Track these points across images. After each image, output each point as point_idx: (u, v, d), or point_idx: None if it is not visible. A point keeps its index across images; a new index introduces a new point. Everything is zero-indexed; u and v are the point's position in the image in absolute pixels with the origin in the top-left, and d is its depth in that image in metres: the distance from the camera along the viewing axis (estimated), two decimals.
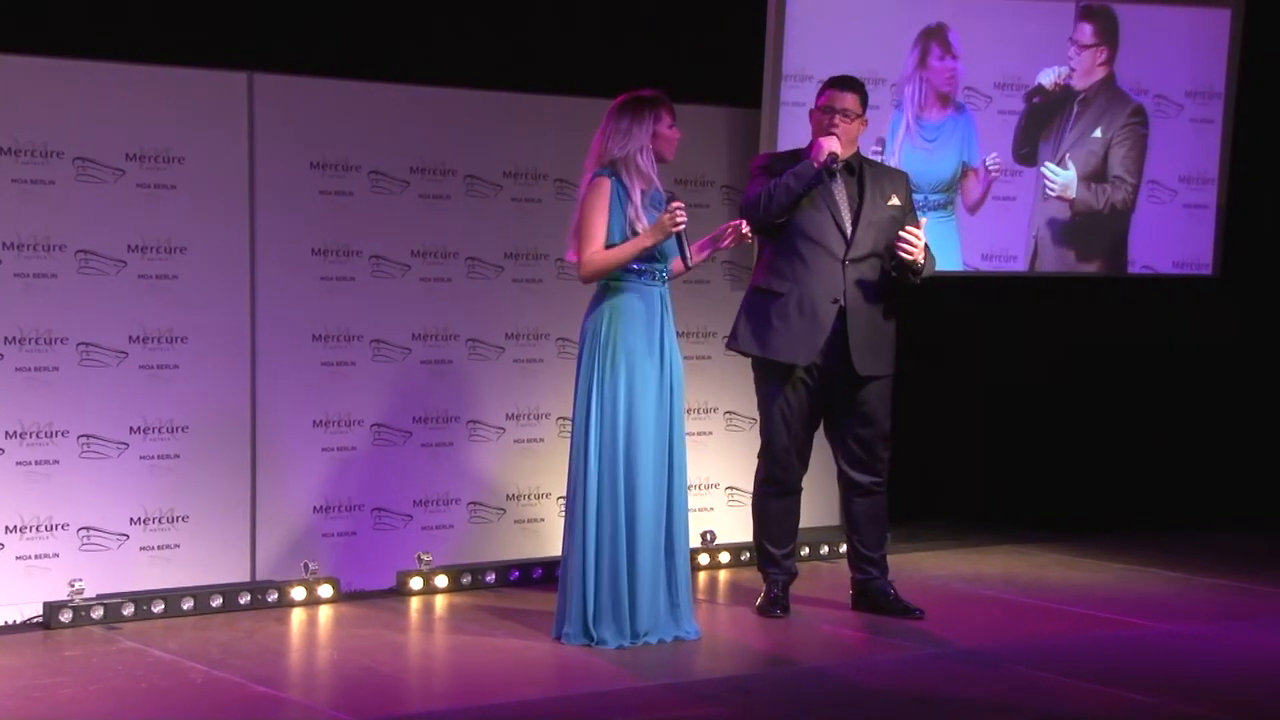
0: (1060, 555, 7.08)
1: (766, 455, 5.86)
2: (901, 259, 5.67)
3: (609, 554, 5.33)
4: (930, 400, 7.44)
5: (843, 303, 5.71)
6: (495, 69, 6.73)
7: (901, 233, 5.66)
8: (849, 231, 5.73)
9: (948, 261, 7.08)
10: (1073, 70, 7.51)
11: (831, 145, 5.63)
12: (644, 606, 5.33)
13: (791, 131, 6.79)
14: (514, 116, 6.59)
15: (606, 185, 5.34)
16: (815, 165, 5.62)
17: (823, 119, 5.73)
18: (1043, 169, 7.48)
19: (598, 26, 7.05)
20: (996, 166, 7.36)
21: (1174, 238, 7.81)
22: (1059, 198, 7.53)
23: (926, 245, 5.72)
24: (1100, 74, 7.57)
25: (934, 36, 7.23)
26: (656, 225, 5.29)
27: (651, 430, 5.36)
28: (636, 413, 5.34)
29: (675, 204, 5.26)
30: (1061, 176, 7.52)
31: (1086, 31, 7.53)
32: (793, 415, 5.78)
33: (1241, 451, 8.45)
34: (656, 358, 5.40)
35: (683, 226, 5.27)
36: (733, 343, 5.89)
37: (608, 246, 5.32)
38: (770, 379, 5.79)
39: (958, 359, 8.04)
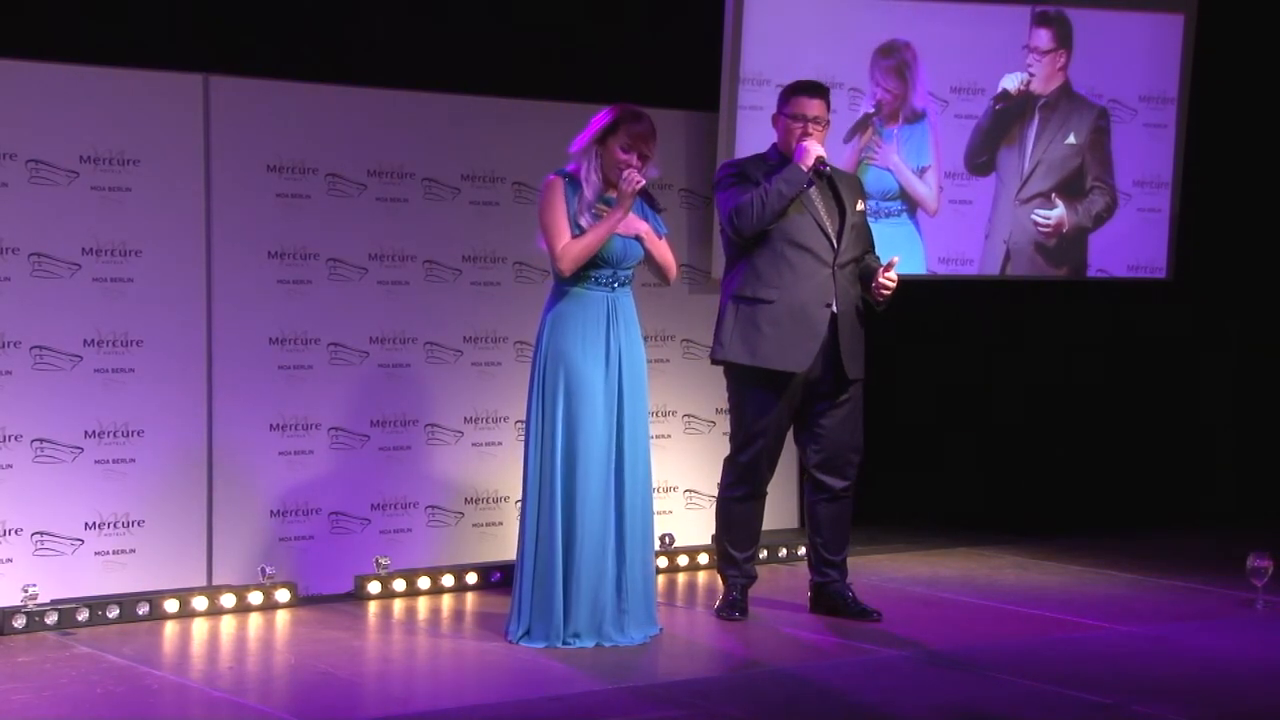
0: (1016, 557, 7.11)
1: (739, 461, 5.83)
2: (878, 299, 5.72)
3: (546, 558, 5.36)
4: (887, 403, 7.46)
5: (834, 308, 5.72)
6: (453, 71, 6.72)
7: (881, 278, 5.69)
8: (834, 237, 5.75)
9: (910, 265, 7.12)
10: (1032, 76, 7.56)
11: (816, 150, 5.65)
12: (579, 611, 5.35)
13: (749, 135, 6.81)
14: (472, 119, 6.58)
15: (555, 183, 5.42)
16: (804, 170, 5.63)
17: (793, 126, 5.73)
18: (1032, 216, 7.54)
19: (556, 29, 7.05)
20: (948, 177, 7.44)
21: (1129, 242, 7.86)
22: (1052, 233, 7.58)
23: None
24: (1059, 79, 7.62)
25: (893, 56, 7.27)
26: (619, 195, 5.35)
27: (598, 437, 5.37)
28: (578, 420, 5.36)
29: (627, 170, 5.33)
30: (1052, 216, 7.57)
31: (1043, 37, 7.58)
32: (771, 423, 5.76)
33: (1196, 453, 8.51)
34: (601, 364, 5.40)
35: (640, 184, 5.32)
36: (719, 352, 5.80)
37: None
38: (755, 387, 5.75)
39: (914, 362, 8.07)
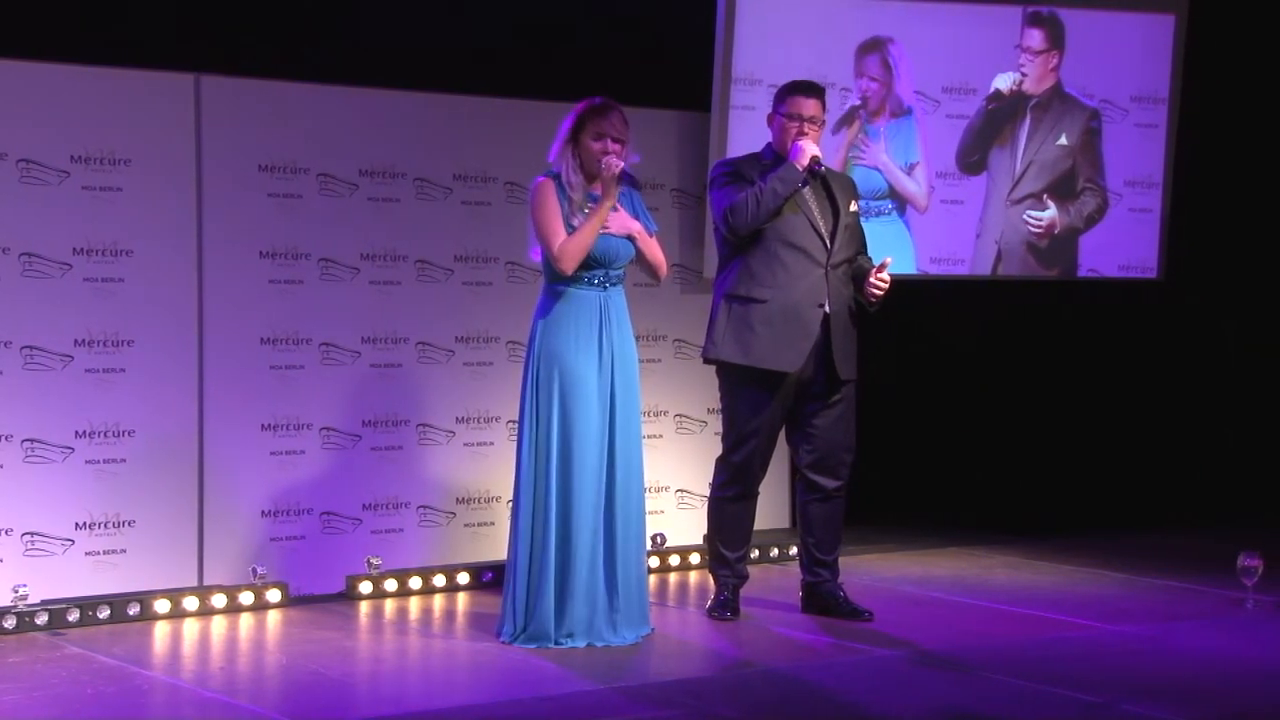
0: (1007, 557, 7.12)
1: (732, 461, 5.82)
2: (870, 300, 5.73)
3: (539, 557, 5.37)
4: (880, 402, 7.47)
5: (827, 308, 5.73)
6: (445, 71, 6.71)
7: (874, 279, 5.69)
8: (828, 238, 5.75)
9: (900, 265, 7.12)
10: (1025, 76, 7.57)
11: (811, 149, 5.66)
12: (571, 611, 5.35)
13: (741, 135, 6.81)
14: (464, 119, 6.58)
15: (546, 184, 5.43)
16: (799, 168, 5.63)
17: (789, 126, 5.73)
18: (1024, 216, 7.55)
19: (548, 29, 7.05)
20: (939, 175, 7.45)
21: (1119, 242, 7.87)
22: (1044, 234, 7.59)
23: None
24: (1051, 80, 7.63)
25: (877, 49, 7.27)
26: (603, 183, 5.37)
27: (592, 437, 5.37)
28: (574, 420, 5.36)
29: (606, 157, 5.34)
30: (1044, 217, 7.58)
31: (1036, 37, 7.58)
32: (764, 422, 5.76)
33: (1187, 452, 8.52)
34: (595, 363, 5.41)
35: (620, 167, 5.34)
36: (710, 351, 5.80)
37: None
38: (747, 386, 5.75)
39: (907, 361, 8.08)
